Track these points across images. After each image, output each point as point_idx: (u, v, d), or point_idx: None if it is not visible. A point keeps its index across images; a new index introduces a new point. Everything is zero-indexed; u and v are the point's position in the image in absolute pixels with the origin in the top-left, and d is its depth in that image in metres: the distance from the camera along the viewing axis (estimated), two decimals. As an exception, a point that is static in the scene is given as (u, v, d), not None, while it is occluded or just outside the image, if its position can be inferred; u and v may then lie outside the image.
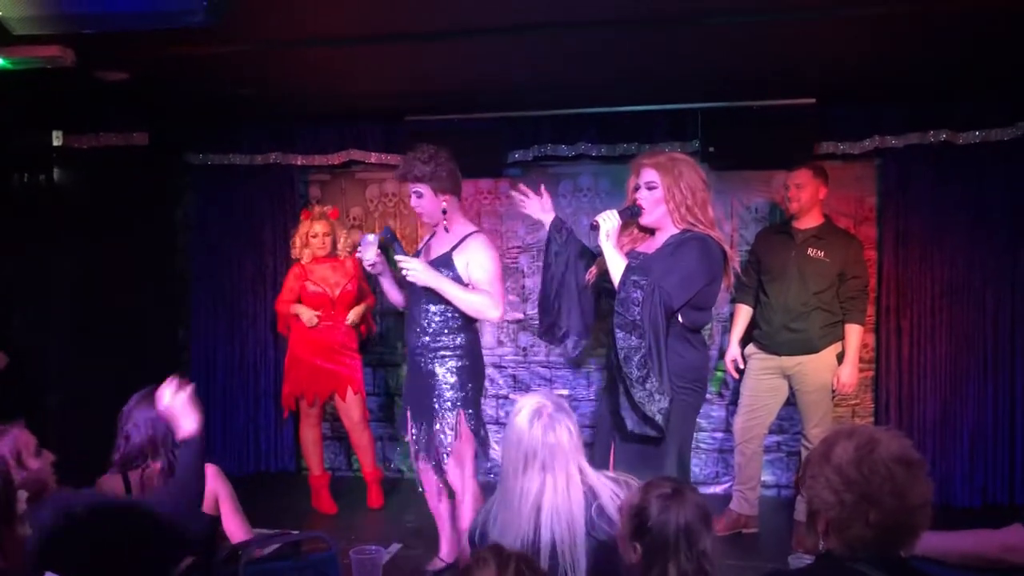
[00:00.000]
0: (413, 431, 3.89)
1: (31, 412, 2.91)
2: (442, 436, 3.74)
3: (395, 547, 4.38)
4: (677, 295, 3.11)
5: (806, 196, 4.43)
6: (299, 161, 5.62)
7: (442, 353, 3.74)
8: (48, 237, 5.14)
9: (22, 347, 4.54)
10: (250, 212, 5.70)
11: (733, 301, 4.91)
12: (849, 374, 4.41)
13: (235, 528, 3.05)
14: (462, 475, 3.78)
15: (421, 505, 4.21)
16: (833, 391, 4.46)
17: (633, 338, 3.08)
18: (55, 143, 5.36)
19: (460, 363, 3.75)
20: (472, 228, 3.86)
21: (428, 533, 4.26)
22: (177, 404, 2.51)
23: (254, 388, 5.75)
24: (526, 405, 2.47)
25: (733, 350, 4.70)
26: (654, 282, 3.08)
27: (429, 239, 3.96)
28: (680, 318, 3.17)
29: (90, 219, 5.33)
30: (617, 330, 3.12)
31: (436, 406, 3.75)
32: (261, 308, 5.72)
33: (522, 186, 3.74)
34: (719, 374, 5.32)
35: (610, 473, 2.58)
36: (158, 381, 2.79)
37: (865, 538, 1.73)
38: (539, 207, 3.67)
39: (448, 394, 3.73)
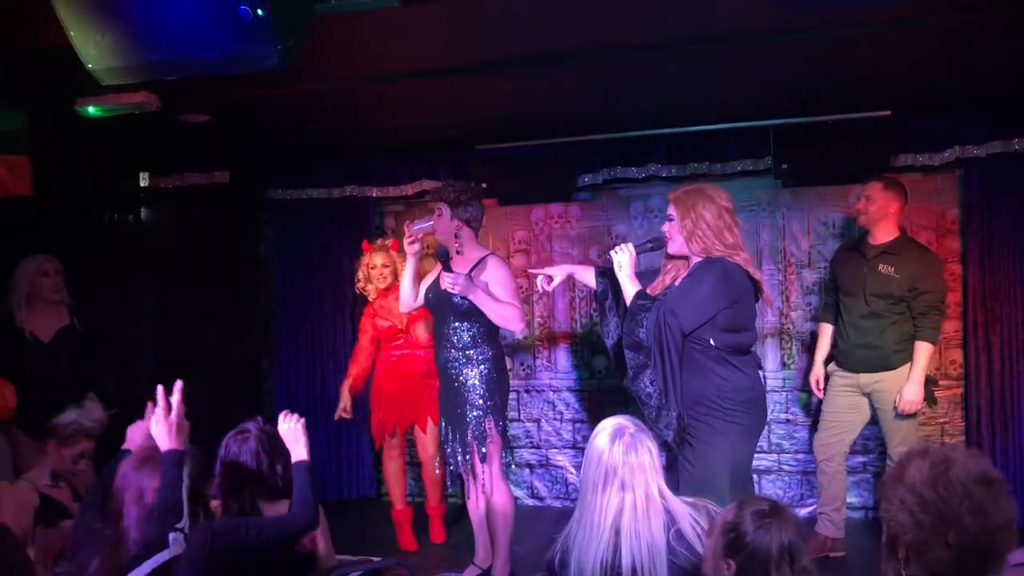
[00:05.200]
0: (448, 440, 4.15)
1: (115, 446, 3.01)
2: (475, 441, 4.01)
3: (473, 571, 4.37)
4: (689, 317, 3.24)
5: (875, 209, 4.34)
6: (374, 193, 5.75)
7: (471, 364, 4.04)
8: (136, 274, 5.36)
9: (112, 381, 4.72)
10: (328, 244, 5.84)
11: (817, 320, 4.84)
12: (912, 392, 4.24)
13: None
14: (491, 475, 4.07)
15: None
16: (895, 408, 4.31)
17: (640, 356, 3.28)
18: (142, 184, 5.61)
19: (489, 374, 4.05)
20: (487, 251, 4.20)
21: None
22: (289, 433, 2.87)
23: (334, 416, 5.85)
24: (608, 426, 2.49)
25: (817, 369, 4.63)
26: (660, 304, 3.26)
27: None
28: (712, 341, 3.26)
29: (176, 256, 5.55)
30: (626, 350, 3.34)
31: (468, 414, 4.03)
32: (340, 337, 5.83)
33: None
34: (803, 395, 5.23)
35: (689, 499, 2.56)
36: (243, 411, 2.89)
37: (945, 561, 1.68)
38: (564, 274, 3.83)
39: (479, 402, 4.03)
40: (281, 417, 2.88)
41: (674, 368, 3.22)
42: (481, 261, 4.05)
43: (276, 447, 2.91)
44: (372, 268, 4.95)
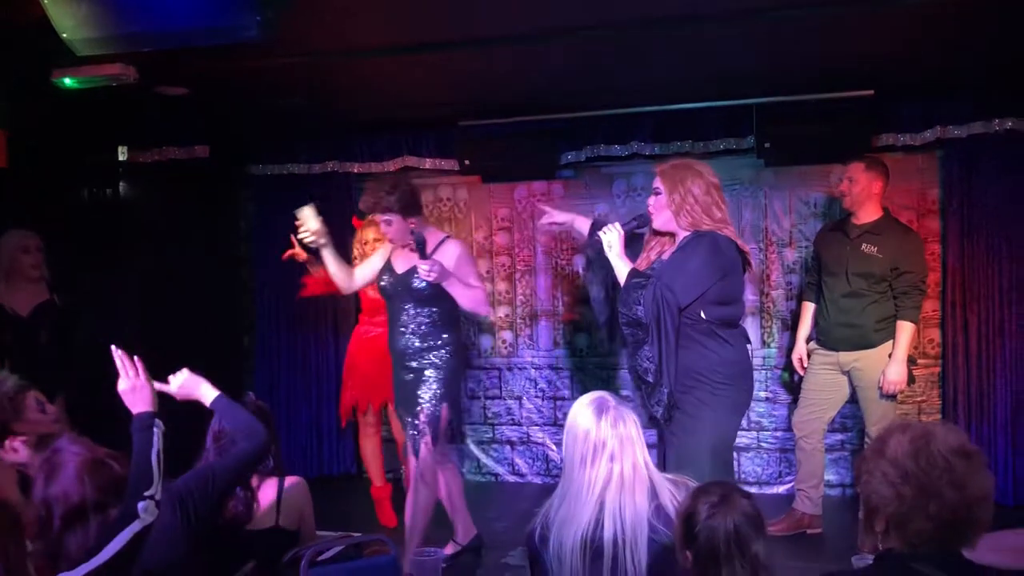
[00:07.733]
0: (405, 427, 4.08)
1: (99, 421, 2.98)
2: (427, 425, 3.95)
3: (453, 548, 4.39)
4: (685, 291, 3.23)
5: (858, 190, 4.36)
6: (356, 169, 5.70)
7: (432, 351, 3.98)
8: (115, 249, 5.30)
9: (90, 357, 4.68)
10: (310, 220, 5.79)
11: (799, 299, 4.86)
12: (896, 372, 4.28)
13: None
14: (444, 458, 4.08)
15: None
16: (879, 388, 4.35)
17: (640, 333, 3.28)
18: (121, 158, 5.52)
19: (446, 358, 3.99)
20: (444, 233, 4.16)
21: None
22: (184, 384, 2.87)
23: (316, 393, 5.85)
24: (588, 401, 2.47)
25: (799, 347, 4.66)
26: (655, 280, 3.25)
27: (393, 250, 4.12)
28: (703, 315, 3.26)
29: (155, 231, 5.49)
30: (624, 328, 3.37)
31: (426, 399, 3.96)
32: (322, 314, 5.81)
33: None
34: (784, 373, 5.26)
35: (669, 475, 2.57)
36: (225, 388, 2.86)
37: (926, 532, 1.71)
38: (568, 218, 3.92)
39: (436, 388, 3.96)
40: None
41: (670, 345, 3.21)
42: (439, 246, 3.99)
43: (269, 423, 2.85)
44: (365, 244, 4.93)
